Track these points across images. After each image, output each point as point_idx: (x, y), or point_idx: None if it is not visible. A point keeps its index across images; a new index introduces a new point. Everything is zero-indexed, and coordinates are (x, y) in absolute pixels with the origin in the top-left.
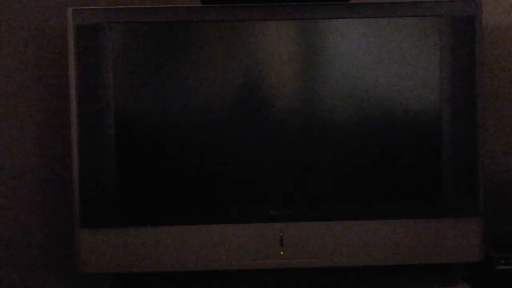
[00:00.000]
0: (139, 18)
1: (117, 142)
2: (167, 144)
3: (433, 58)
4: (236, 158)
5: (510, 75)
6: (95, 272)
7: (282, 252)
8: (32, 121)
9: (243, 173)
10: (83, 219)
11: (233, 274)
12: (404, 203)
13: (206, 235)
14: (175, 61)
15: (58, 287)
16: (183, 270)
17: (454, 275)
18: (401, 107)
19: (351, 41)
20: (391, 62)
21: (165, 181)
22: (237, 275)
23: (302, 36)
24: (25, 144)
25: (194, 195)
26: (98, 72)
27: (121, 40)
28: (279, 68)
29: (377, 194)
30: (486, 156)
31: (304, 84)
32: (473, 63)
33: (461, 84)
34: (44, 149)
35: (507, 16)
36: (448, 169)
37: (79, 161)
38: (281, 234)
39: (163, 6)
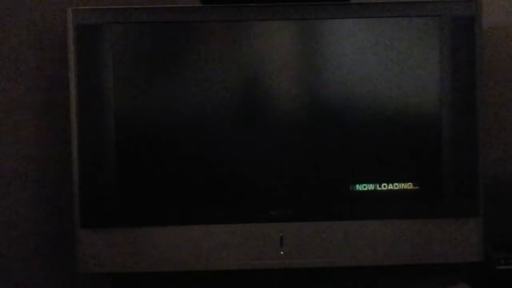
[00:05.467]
0: (139, 18)
1: (117, 142)
2: (167, 144)
3: (433, 58)
4: (236, 158)
5: (510, 75)
6: (95, 272)
7: (282, 252)
8: (32, 121)
9: (243, 173)
10: (83, 219)
11: (233, 274)
12: (404, 203)
13: (206, 235)
14: (175, 61)
15: (58, 287)
16: (183, 270)
17: (454, 275)
18: (401, 107)
19: (351, 41)
20: (391, 62)
21: (165, 181)
22: (237, 275)
23: (302, 36)
24: (25, 144)
25: (194, 195)
26: (98, 72)
27: (121, 40)
28: (279, 68)
29: (377, 194)
30: (486, 156)
31: (304, 84)
32: (473, 63)
33: (461, 84)
34: (44, 149)
35: (507, 16)
36: (448, 169)
37: (79, 161)
38: (281, 234)
39: (163, 6)
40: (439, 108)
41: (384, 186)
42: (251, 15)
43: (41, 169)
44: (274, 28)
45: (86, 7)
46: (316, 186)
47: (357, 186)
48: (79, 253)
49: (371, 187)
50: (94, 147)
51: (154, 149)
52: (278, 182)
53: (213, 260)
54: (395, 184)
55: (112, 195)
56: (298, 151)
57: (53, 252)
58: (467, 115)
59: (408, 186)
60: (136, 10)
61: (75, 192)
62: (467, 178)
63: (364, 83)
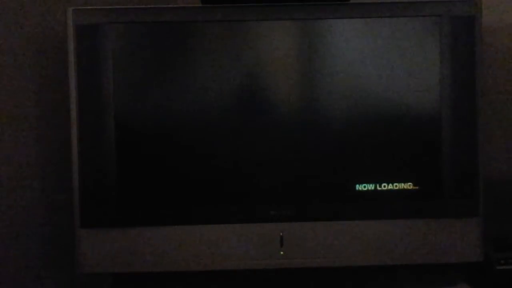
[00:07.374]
0: (139, 18)
1: (117, 142)
2: (167, 144)
3: (433, 58)
4: (236, 158)
5: (510, 75)
6: (95, 272)
7: (282, 252)
8: (32, 121)
9: (243, 173)
10: (83, 219)
11: (233, 274)
12: (404, 203)
13: (206, 235)
14: (175, 61)
15: (58, 287)
16: (183, 270)
17: (454, 275)
18: (401, 107)
19: (351, 41)
20: (391, 62)
21: (165, 181)
22: (237, 275)
23: (302, 36)
24: (25, 144)
25: (194, 195)
26: (98, 72)
27: (121, 40)
28: (279, 68)
29: (377, 194)
30: (486, 156)
31: (304, 84)
32: (473, 63)
33: (461, 84)
34: (44, 149)
35: (507, 16)
36: (448, 169)
37: (79, 161)
38: (281, 234)
39: (163, 6)
40: (439, 108)
41: (384, 186)
42: (251, 15)
43: (41, 169)
44: (274, 28)
45: (86, 7)
46: (316, 186)
47: (357, 186)
48: (79, 253)
49: (371, 187)
50: (94, 147)
51: (154, 149)
52: (278, 182)
53: (213, 260)
54: (395, 184)
55: (111, 195)
56: (298, 150)
57: (53, 252)
58: (467, 115)
59: (408, 186)
60: (136, 10)
61: (75, 192)
62: (467, 178)
63: (364, 83)
